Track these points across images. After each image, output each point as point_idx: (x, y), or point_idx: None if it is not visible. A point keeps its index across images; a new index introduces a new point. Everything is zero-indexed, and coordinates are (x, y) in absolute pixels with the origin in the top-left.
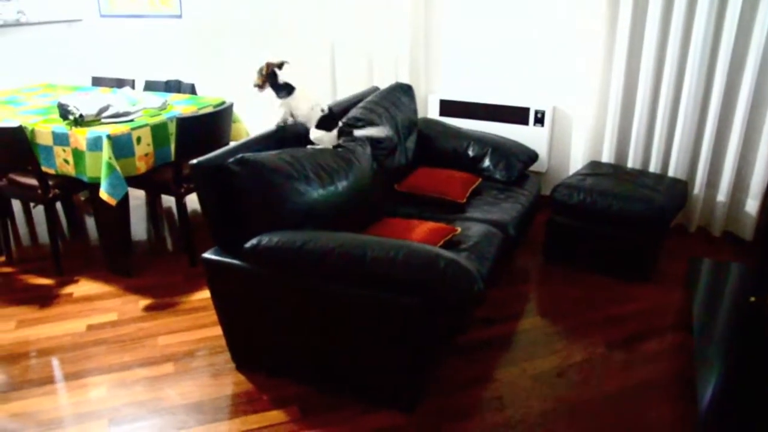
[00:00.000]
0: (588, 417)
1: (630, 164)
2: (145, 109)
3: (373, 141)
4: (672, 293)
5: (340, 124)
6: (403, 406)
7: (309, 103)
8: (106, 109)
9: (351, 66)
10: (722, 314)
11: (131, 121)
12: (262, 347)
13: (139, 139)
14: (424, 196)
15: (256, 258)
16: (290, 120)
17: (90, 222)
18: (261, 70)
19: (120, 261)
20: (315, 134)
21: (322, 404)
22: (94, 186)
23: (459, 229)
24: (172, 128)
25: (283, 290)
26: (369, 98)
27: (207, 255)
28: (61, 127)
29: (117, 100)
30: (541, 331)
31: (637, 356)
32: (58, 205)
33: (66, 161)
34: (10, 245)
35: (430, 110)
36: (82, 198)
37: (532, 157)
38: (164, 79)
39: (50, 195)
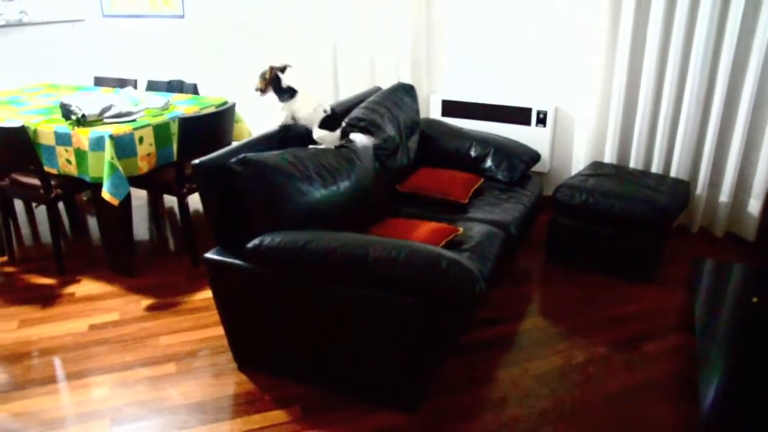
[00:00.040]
0: (590, 417)
1: (632, 164)
2: (147, 109)
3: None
4: (674, 294)
5: (343, 124)
6: (405, 406)
7: (311, 106)
8: (108, 109)
9: (353, 66)
10: (724, 315)
11: (133, 121)
12: (264, 347)
13: (141, 139)
14: (426, 196)
15: (258, 258)
16: (291, 123)
17: (92, 222)
18: (264, 74)
19: (122, 261)
20: (318, 134)
21: (324, 404)
22: (97, 186)
23: (461, 230)
24: (175, 128)
25: (285, 290)
26: (371, 98)
27: (209, 255)
28: (64, 127)
29: (119, 100)
30: (543, 331)
31: (639, 357)
32: (61, 205)
33: (68, 161)
34: (12, 245)
35: (432, 110)
36: (85, 198)
37: (534, 157)
38: (166, 79)
39: (52, 195)
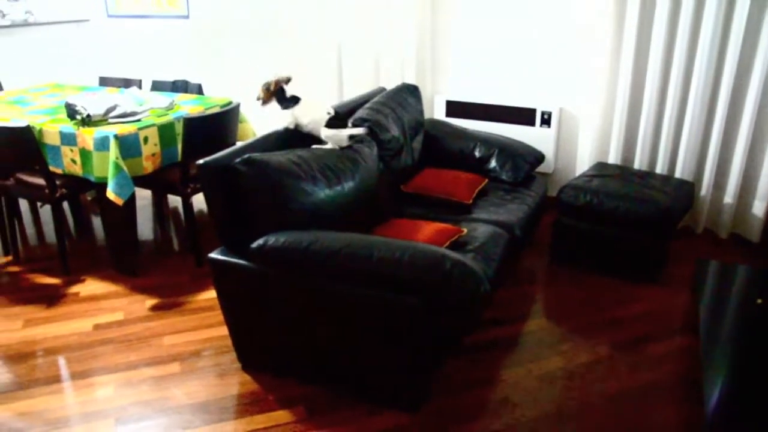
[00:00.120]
0: (593, 418)
1: (637, 165)
2: (152, 109)
3: (380, 141)
4: (678, 295)
5: (350, 124)
6: (408, 407)
7: (315, 112)
8: (113, 109)
9: (357, 67)
10: (729, 316)
11: (138, 121)
12: (268, 347)
13: (146, 139)
14: (430, 196)
15: (262, 258)
16: (294, 128)
17: (97, 222)
18: (268, 86)
19: (126, 261)
20: (326, 132)
21: (328, 404)
22: (101, 186)
23: (465, 230)
24: (179, 128)
25: (289, 290)
26: (376, 99)
27: (213, 255)
28: (69, 126)
29: (124, 100)
30: (546, 332)
31: (644, 358)
32: (65, 205)
33: (73, 161)
34: (17, 244)
35: (436, 111)
36: (89, 198)
37: (539, 158)
38: (171, 79)
39: (57, 195)
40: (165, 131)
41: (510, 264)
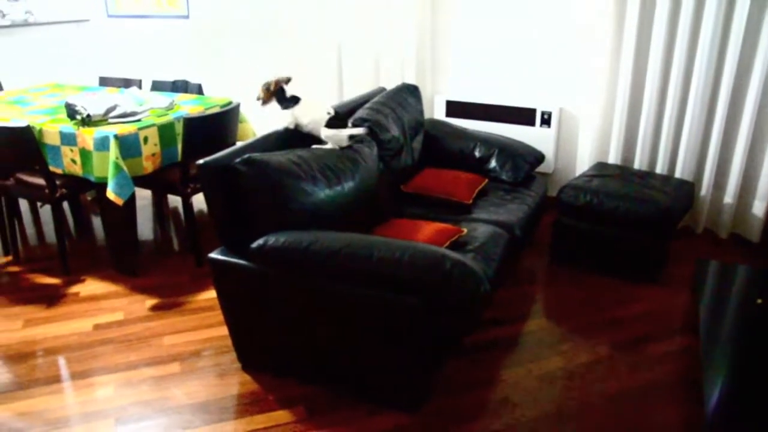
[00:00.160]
0: (593, 418)
1: (637, 165)
2: (152, 109)
3: (380, 141)
4: (678, 295)
5: (350, 124)
6: (409, 407)
7: (315, 112)
8: (113, 109)
9: (357, 67)
10: (729, 316)
11: (138, 121)
12: (268, 347)
13: (146, 139)
14: (430, 196)
15: (262, 258)
16: (295, 128)
17: (97, 222)
18: (268, 86)
19: (126, 261)
20: (327, 132)
21: (328, 404)
22: (101, 186)
23: (465, 230)
24: (179, 128)
25: (289, 290)
26: (376, 99)
27: (213, 255)
28: (69, 126)
29: (124, 100)
30: (547, 332)
31: (644, 358)
32: (65, 205)
33: (73, 161)
34: (17, 245)
35: (436, 111)
36: (89, 198)
37: (539, 158)
38: (171, 79)
39: (57, 195)
40: (165, 131)
41: (510, 264)
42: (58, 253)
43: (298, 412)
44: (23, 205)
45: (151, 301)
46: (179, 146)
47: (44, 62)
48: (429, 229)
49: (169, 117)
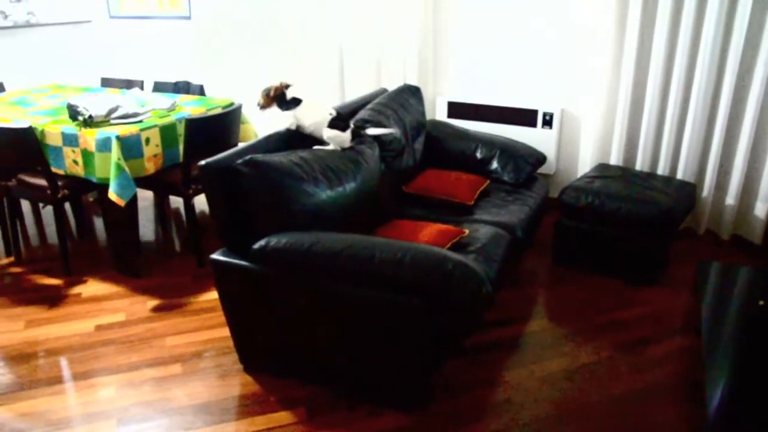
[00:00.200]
0: (596, 419)
1: (638, 166)
2: (154, 110)
3: (382, 143)
4: (680, 296)
5: (352, 125)
6: (410, 408)
7: (317, 113)
8: (115, 110)
9: (359, 68)
10: (731, 317)
11: (140, 122)
12: (270, 348)
13: (147, 140)
14: (432, 197)
15: (264, 259)
16: (296, 129)
17: (98, 223)
18: (268, 91)
19: (128, 261)
20: (328, 133)
21: (329, 405)
22: (103, 187)
23: (467, 231)
24: (181, 129)
25: (290, 291)
26: (377, 100)
27: (215, 256)
28: (71, 127)
29: (126, 101)
30: (548, 333)
31: (645, 359)
32: (67, 206)
33: (75, 162)
34: (19, 245)
35: (438, 112)
36: (91, 199)
37: (541, 159)
38: (173, 80)
39: (59, 195)
40: (167, 132)
41: (511, 265)
42: (60, 254)
43: (299, 413)
44: (25, 206)
45: (152, 302)
46: (181, 147)
47: (46, 63)
48: (430, 230)
49: (171, 118)
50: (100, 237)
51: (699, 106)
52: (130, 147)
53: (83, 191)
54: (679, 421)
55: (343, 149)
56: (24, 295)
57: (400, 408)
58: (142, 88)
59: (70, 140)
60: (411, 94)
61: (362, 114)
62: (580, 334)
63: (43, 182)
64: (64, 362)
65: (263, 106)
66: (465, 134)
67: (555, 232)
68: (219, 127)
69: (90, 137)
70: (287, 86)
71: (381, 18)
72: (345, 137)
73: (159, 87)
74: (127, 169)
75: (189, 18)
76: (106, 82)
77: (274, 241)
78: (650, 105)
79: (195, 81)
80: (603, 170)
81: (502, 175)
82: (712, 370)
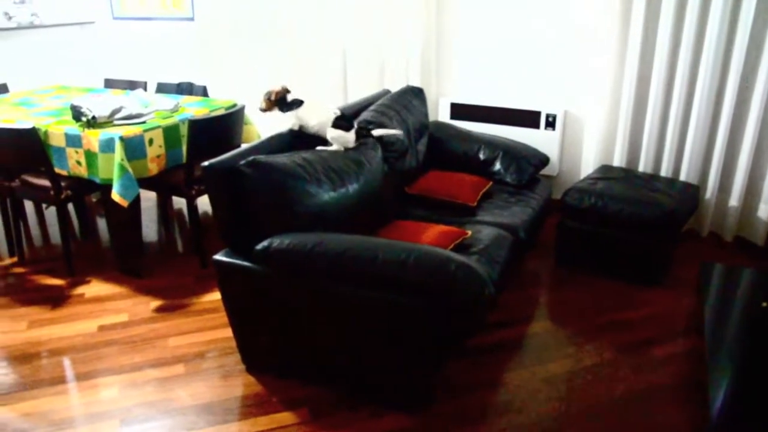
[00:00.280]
0: (598, 420)
1: (641, 168)
2: (157, 111)
3: (385, 144)
4: (683, 298)
5: (356, 125)
6: (412, 409)
7: (320, 113)
8: (118, 110)
9: (362, 69)
10: (734, 319)
11: (143, 122)
12: (272, 349)
13: (151, 141)
14: (434, 199)
15: (266, 260)
16: (299, 129)
17: (102, 223)
18: (270, 95)
19: (131, 262)
20: (332, 133)
21: (332, 406)
22: (106, 187)
23: (469, 233)
24: (184, 130)
25: (293, 292)
26: (380, 101)
27: (218, 257)
28: (74, 128)
29: (129, 102)
30: (551, 334)
31: (648, 360)
32: (70, 206)
33: (78, 162)
34: (22, 246)
35: (441, 113)
36: (94, 199)
37: (543, 160)
38: (176, 81)
39: (62, 196)
40: (170, 133)
41: (514, 266)
42: (63, 254)
43: (302, 413)
44: (28, 206)
45: (155, 303)
46: (184, 148)
47: (50, 64)
48: (433, 231)
49: (174, 119)
50: (103, 237)
51: (702, 108)
52: (134, 148)
53: (86, 192)
54: (682, 422)
55: (347, 149)
56: (27, 295)
57: (401, 409)
58: (145, 89)
59: (74, 141)
60: (414, 95)
61: (365, 115)
62: (582, 336)
63: (46, 183)
64: (66, 362)
65: (265, 109)
66: (468, 135)
67: (558, 234)
68: (222, 128)
69: (93, 138)
70: (288, 90)
71: (384, 20)
72: (349, 137)
73: (162, 88)
74: (130, 169)
75: (192, 19)
76: (110, 83)
77: (276, 242)
78: (653, 106)
79: (198, 82)
80: (606, 172)
81: (505, 176)
82: (715, 372)
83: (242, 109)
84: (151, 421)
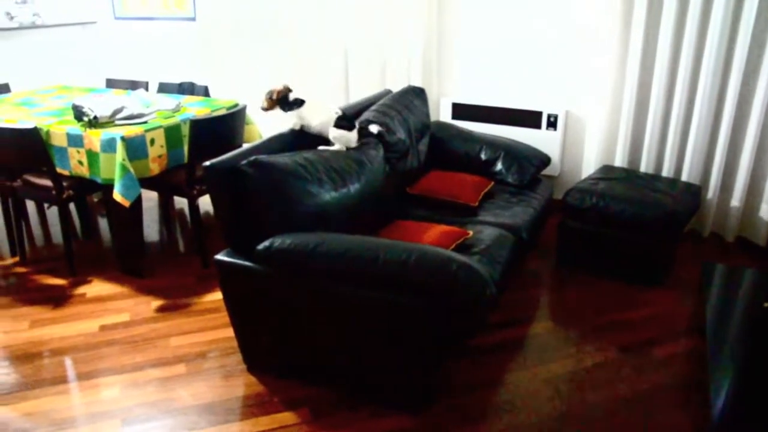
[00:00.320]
0: (599, 421)
1: (643, 168)
2: (158, 111)
3: (387, 144)
4: (685, 298)
5: (358, 125)
6: (413, 409)
7: (322, 112)
8: (120, 110)
9: (364, 69)
10: (735, 319)
11: (145, 122)
12: (274, 349)
13: (152, 141)
14: (436, 199)
15: (268, 260)
16: (300, 129)
17: (103, 223)
18: (271, 94)
19: (133, 262)
20: (334, 133)
21: (333, 406)
22: (108, 187)
23: (471, 233)
24: (186, 130)
25: (295, 292)
26: (382, 101)
27: (219, 257)
28: (76, 128)
29: (131, 101)
30: (552, 335)
31: (650, 361)
32: (72, 206)
33: (80, 162)
34: (24, 246)
35: (442, 113)
36: (96, 199)
37: (545, 160)
38: (178, 81)
39: (64, 196)
40: (171, 133)
41: (516, 267)
42: (65, 254)
43: (302, 413)
44: (30, 206)
45: (157, 303)
46: (185, 148)
47: (51, 64)
48: (435, 231)
49: (176, 119)
50: (105, 237)
51: (704, 108)
52: (135, 148)
53: (88, 192)
54: (683, 422)
55: (348, 149)
56: (29, 295)
57: (402, 409)
58: (147, 89)
59: (75, 141)
60: (415, 95)
61: (367, 115)
62: (583, 336)
63: (48, 183)
64: (68, 362)
65: (266, 109)
66: (469, 135)
67: (559, 234)
68: (223, 128)
69: (95, 138)
70: (290, 89)
71: (385, 20)
72: (351, 137)
73: (164, 88)
74: (131, 169)
75: (194, 19)
76: (111, 83)
77: (278, 241)
78: (655, 106)
79: (200, 82)
80: (607, 172)
81: (507, 176)
82: (717, 372)
83: (244, 109)
84: (152, 420)
